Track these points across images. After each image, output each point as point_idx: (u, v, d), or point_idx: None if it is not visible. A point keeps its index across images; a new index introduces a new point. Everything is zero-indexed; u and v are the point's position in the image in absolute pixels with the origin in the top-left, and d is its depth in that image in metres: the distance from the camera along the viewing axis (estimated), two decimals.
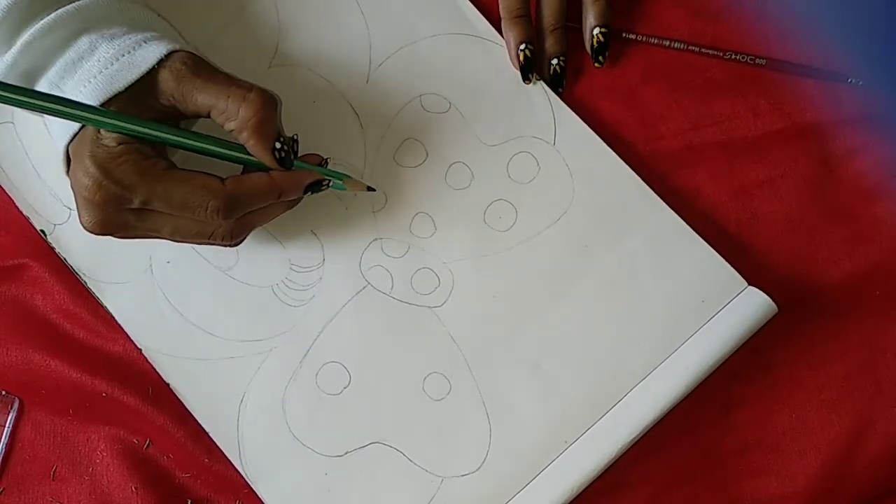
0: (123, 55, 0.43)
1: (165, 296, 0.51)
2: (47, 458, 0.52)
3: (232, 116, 0.43)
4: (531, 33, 0.51)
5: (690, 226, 0.50)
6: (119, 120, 0.43)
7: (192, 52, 0.45)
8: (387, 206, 0.51)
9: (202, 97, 0.43)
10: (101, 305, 0.52)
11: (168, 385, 0.51)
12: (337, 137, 0.52)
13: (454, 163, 0.52)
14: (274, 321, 0.51)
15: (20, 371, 0.52)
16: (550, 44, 0.52)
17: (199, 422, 0.50)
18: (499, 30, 0.52)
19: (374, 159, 0.52)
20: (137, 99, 0.44)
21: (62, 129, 0.44)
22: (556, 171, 0.51)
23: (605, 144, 0.51)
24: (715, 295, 0.48)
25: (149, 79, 0.43)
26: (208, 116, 0.44)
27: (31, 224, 0.53)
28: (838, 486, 0.49)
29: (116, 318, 0.51)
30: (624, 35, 0.53)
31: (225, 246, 0.46)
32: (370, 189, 0.50)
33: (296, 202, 0.48)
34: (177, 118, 0.46)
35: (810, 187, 0.51)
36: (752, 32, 0.52)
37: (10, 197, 0.53)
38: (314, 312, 0.51)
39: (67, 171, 0.45)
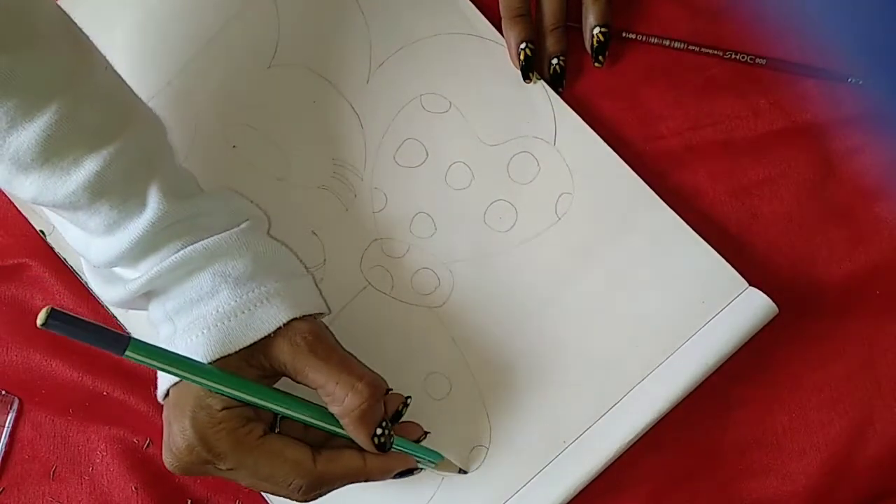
0: (244, 311, 0.43)
1: None
2: (47, 458, 0.52)
3: (338, 402, 0.43)
4: (531, 33, 0.51)
5: (690, 226, 0.50)
6: (231, 386, 0.42)
7: (312, 321, 0.45)
8: (387, 206, 0.51)
9: (312, 375, 0.43)
10: (101, 305, 0.52)
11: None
12: (337, 137, 0.52)
13: (454, 163, 0.52)
14: None
15: (20, 371, 0.52)
16: (551, 43, 0.52)
17: None
18: (499, 29, 0.52)
19: (374, 159, 0.52)
20: (249, 356, 0.43)
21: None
22: (557, 171, 0.51)
23: (605, 144, 0.51)
24: (715, 295, 0.48)
25: (265, 341, 0.43)
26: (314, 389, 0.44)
27: (30, 224, 0.53)
28: (838, 485, 0.49)
29: (117, 317, 0.51)
30: (624, 35, 0.53)
31: None
32: (462, 472, 0.49)
33: None
34: (281, 376, 0.45)
35: (810, 187, 0.51)
36: (752, 32, 0.52)
37: (9, 197, 0.53)
38: None
39: (163, 399, 0.45)
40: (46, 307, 0.37)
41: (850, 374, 0.49)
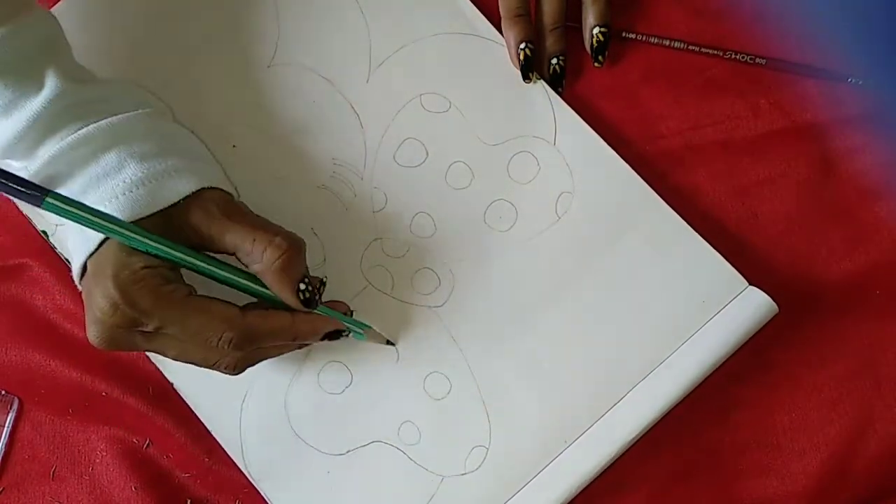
0: (151, 181, 0.43)
1: None
2: (47, 458, 0.52)
3: (256, 260, 0.43)
4: (531, 32, 0.51)
5: (690, 225, 0.50)
6: (152, 240, 0.42)
7: (223, 191, 0.45)
8: (387, 206, 0.51)
9: (229, 238, 0.43)
10: None
11: (171, 384, 0.50)
12: (337, 137, 0.52)
13: (454, 162, 0.52)
14: None
15: (20, 371, 0.52)
16: (550, 43, 0.52)
17: (202, 421, 0.50)
18: (499, 29, 0.52)
19: (374, 159, 0.52)
20: (161, 226, 0.43)
21: (82, 242, 0.43)
22: (557, 171, 0.51)
23: (605, 143, 0.51)
24: (716, 295, 0.48)
25: (177, 210, 0.43)
26: (233, 255, 0.44)
27: (31, 224, 0.53)
28: (838, 486, 0.49)
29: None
30: (624, 35, 0.53)
31: (225, 373, 0.45)
32: (389, 343, 0.49)
33: (307, 344, 0.48)
34: (199, 249, 0.45)
35: (810, 187, 0.51)
36: (752, 32, 0.52)
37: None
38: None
39: (80, 280, 0.44)
40: None
41: (850, 374, 0.49)
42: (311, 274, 0.46)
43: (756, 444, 0.49)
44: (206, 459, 0.51)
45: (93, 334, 0.43)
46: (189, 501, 0.51)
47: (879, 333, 0.50)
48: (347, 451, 0.50)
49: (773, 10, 0.49)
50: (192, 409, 0.50)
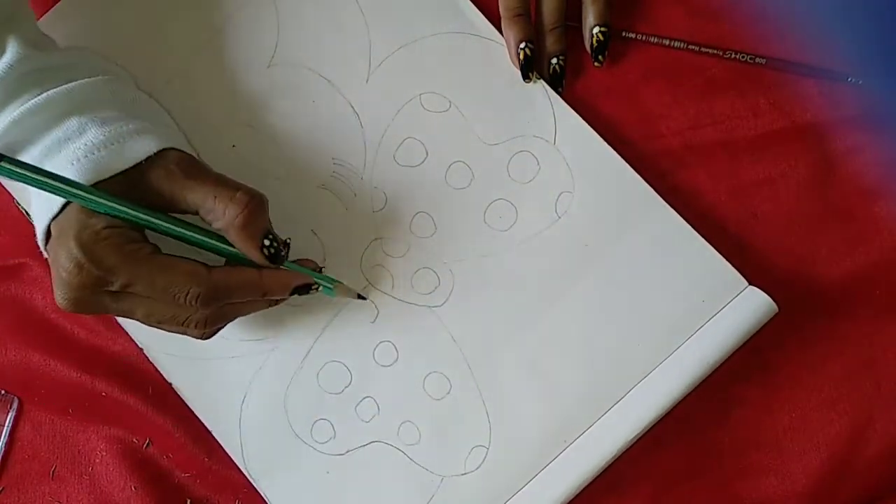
0: (113, 143, 0.43)
1: None
2: (47, 458, 0.52)
3: (219, 216, 0.43)
4: (531, 32, 0.51)
5: (690, 225, 0.50)
6: (111, 201, 0.42)
7: (183, 152, 0.45)
8: (387, 206, 0.51)
9: (191, 196, 0.43)
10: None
11: (170, 384, 0.51)
12: (337, 137, 0.52)
13: (454, 162, 0.52)
14: (275, 320, 0.51)
15: (20, 370, 0.52)
16: (550, 43, 0.52)
17: (202, 421, 0.50)
18: (499, 29, 0.52)
19: (373, 159, 0.52)
20: (124, 187, 0.43)
21: (45, 206, 0.43)
22: (557, 170, 0.51)
23: (605, 143, 0.51)
24: (715, 294, 0.48)
25: (137, 172, 0.43)
26: (196, 214, 0.44)
27: (31, 223, 0.53)
28: (838, 485, 0.49)
29: (116, 317, 0.51)
30: (624, 34, 0.53)
31: (195, 337, 0.45)
32: (360, 297, 0.49)
33: (279, 301, 0.48)
34: (163, 210, 0.45)
35: (810, 187, 0.51)
36: (752, 32, 0.52)
37: (10, 196, 0.53)
38: (315, 312, 0.51)
39: (45, 246, 0.44)
40: None
41: (850, 374, 0.49)
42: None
43: (756, 444, 0.49)
44: (206, 459, 0.51)
45: (60, 297, 0.43)
46: (189, 501, 0.51)
47: (879, 333, 0.50)
48: (347, 451, 0.50)
49: (773, 10, 0.49)
50: (192, 409, 0.50)
